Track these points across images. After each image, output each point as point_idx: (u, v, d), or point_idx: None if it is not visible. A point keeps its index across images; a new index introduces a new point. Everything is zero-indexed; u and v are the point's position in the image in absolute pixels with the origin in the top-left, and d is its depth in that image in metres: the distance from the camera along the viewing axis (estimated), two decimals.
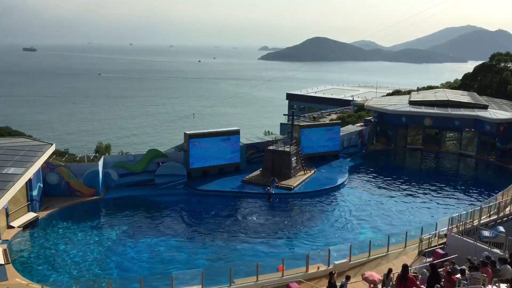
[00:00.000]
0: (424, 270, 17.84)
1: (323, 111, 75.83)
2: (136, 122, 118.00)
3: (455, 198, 34.92)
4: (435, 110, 49.82)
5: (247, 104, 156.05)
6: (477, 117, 47.23)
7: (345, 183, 37.47)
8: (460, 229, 22.41)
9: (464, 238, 21.27)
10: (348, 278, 17.27)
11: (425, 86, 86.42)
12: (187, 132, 37.26)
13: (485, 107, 50.47)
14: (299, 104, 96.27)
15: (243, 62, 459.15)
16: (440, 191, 36.48)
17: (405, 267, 15.78)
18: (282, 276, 20.44)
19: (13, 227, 26.05)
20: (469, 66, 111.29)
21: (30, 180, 27.48)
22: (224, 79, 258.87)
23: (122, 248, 25.09)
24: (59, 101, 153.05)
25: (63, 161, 33.19)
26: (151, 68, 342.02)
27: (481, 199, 33.58)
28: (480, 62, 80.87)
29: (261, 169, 38.50)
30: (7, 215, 25.98)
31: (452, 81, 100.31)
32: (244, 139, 42.21)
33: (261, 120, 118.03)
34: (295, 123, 43.12)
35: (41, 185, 30.27)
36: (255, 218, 29.83)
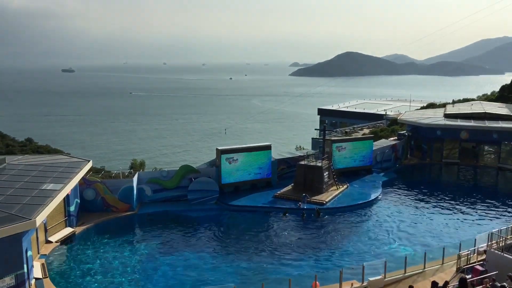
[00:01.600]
0: None
1: (355, 126, 75.06)
2: (169, 139, 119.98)
3: (494, 213, 33.68)
4: (471, 123, 48.54)
5: (278, 120, 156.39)
6: None
7: (379, 198, 36.79)
8: (501, 245, 21.56)
9: (505, 255, 20.42)
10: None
11: (461, 98, 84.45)
12: (219, 148, 37.60)
13: None
14: (330, 119, 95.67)
15: (274, 79, 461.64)
16: (478, 206, 35.31)
17: (434, 284, 15.40)
18: None
19: (51, 242, 26.78)
20: (507, 78, 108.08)
21: (67, 196, 28.27)
22: (255, 96, 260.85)
23: (156, 263, 25.33)
24: (95, 120, 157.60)
25: (99, 177, 34.01)
26: (183, 86, 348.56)
27: None
28: None
29: (292, 184, 38.33)
30: (46, 230, 26.77)
31: (489, 93, 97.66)
32: (276, 154, 42.16)
33: (292, 136, 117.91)
34: (327, 137, 42.84)
35: (78, 201, 31.06)
36: (286, 234, 29.62)
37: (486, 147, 50.19)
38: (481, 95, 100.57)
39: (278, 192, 36.74)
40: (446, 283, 15.73)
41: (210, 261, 25.49)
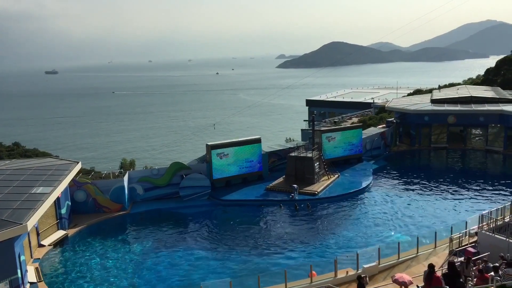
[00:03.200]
0: None
1: (344, 115, 75.39)
2: (158, 136, 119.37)
3: (484, 195, 34.11)
4: (458, 107, 48.98)
5: (267, 113, 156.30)
6: (502, 111, 46.21)
7: (370, 186, 37.05)
8: (491, 226, 21.87)
9: (496, 235, 20.72)
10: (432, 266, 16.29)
11: (447, 83, 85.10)
12: (208, 143, 37.52)
13: (510, 101, 49.40)
14: (319, 109, 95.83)
15: (260, 72, 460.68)
16: (468, 189, 35.73)
17: (430, 266, 15.54)
18: (311, 282, 20.26)
19: (43, 246, 26.59)
20: (491, 61, 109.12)
21: (58, 198, 28.06)
22: (242, 90, 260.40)
23: (151, 261, 25.28)
24: (82, 121, 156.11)
25: (89, 178, 33.77)
26: (170, 83, 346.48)
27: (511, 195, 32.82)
28: (502, 56, 79.29)
29: (284, 176, 38.42)
30: (38, 234, 26.56)
31: (474, 77, 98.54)
32: (266, 147, 42.21)
33: (281, 128, 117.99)
34: (316, 128, 42.95)
35: (69, 203, 30.85)
36: (280, 226, 29.72)
37: (473, 130, 50.73)
38: (466, 79, 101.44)
39: (270, 185, 36.80)
40: (431, 266, 15.73)
41: (205, 257, 25.50)
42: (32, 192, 24.33)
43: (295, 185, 34.83)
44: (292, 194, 34.07)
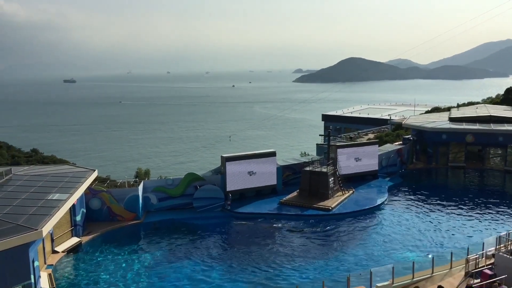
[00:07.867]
0: None
1: (360, 131, 74.95)
2: (174, 147, 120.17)
3: (501, 217, 33.41)
4: (477, 126, 48.35)
5: (282, 126, 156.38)
6: None
7: (385, 203, 36.62)
8: (509, 248, 21.41)
9: None
10: None
11: (465, 102, 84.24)
12: (224, 155, 37.59)
13: None
14: (335, 125, 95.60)
15: (277, 85, 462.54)
16: (485, 210, 35.05)
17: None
18: None
19: (57, 252, 26.79)
20: (511, 81, 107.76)
21: (73, 205, 28.31)
22: (258, 103, 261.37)
23: (162, 272, 25.23)
24: (98, 129, 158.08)
25: (105, 186, 34.04)
26: (186, 94, 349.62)
27: None
28: None
29: (298, 190, 38.23)
30: (52, 240, 26.80)
31: (494, 96, 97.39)
32: (281, 160, 42.11)
33: (296, 142, 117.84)
34: (332, 143, 42.75)
35: (84, 211, 31.10)
36: (293, 240, 29.47)
37: (492, 150, 49.93)
38: (486, 98, 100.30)
39: (284, 199, 36.65)
40: None
41: (216, 270, 25.36)
42: (49, 198, 24.60)
43: (229, 194, 35.53)
44: (229, 202, 34.92)
